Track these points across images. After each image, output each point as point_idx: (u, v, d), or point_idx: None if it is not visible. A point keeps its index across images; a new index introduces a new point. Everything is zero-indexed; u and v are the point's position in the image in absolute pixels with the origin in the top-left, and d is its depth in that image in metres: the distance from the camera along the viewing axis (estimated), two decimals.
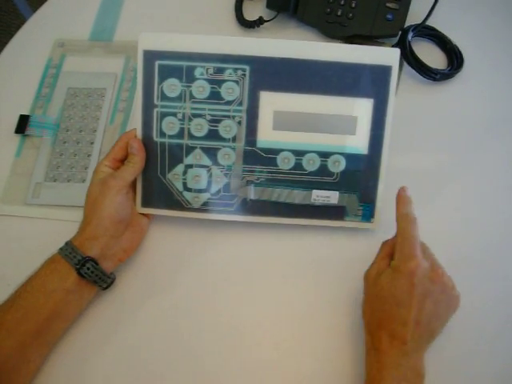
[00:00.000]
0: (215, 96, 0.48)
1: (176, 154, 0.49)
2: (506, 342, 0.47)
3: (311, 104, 0.48)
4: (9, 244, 0.52)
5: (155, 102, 0.49)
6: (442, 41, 0.62)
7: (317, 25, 0.62)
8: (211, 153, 0.49)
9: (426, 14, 0.60)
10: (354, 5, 0.59)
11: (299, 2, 0.61)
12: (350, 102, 0.48)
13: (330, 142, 0.49)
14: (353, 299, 0.48)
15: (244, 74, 0.48)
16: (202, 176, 0.49)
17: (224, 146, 0.49)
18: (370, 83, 0.48)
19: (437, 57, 0.62)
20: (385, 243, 0.45)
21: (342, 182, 0.49)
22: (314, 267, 0.50)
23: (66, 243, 0.45)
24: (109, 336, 0.47)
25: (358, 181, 0.49)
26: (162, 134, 0.49)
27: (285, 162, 0.49)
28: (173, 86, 0.48)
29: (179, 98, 0.49)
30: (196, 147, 0.49)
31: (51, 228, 0.52)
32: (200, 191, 0.50)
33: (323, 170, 0.49)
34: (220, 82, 0.48)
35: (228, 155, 0.49)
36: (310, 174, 0.49)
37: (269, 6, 0.62)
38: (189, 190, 0.50)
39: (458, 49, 0.61)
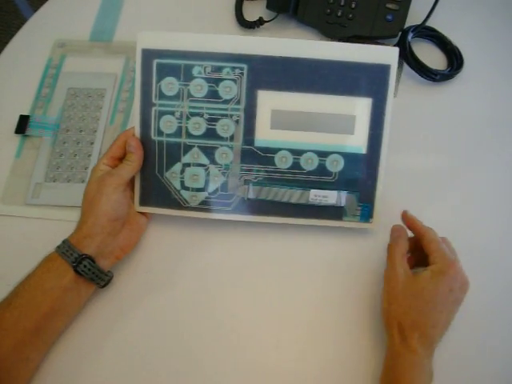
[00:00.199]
0: (213, 95, 0.48)
1: (174, 153, 0.49)
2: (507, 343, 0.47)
3: (309, 103, 0.48)
4: (9, 244, 0.53)
5: (153, 100, 0.49)
6: (441, 41, 0.62)
7: (317, 25, 0.62)
8: (209, 152, 0.49)
9: (425, 15, 0.60)
10: (354, 5, 0.59)
11: (299, 2, 0.61)
12: (348, 101, 0.48)
13: (329, 141, 0.48)
14: (351, 298, 0.48)
15: (242, 73, 0.48)
16: (199, 175, 0.49)
17: (222, 145, 0.49)
18: (369, 82, 0.47)
19: (437, 57, 0.62)
20: (396, 243, 0.45)
21: (341, 182, 0.49)
22: (311, 266, 0.50)
23: (63, 241, 0.45)
24: (107, 334, 0.47)
25: (356, 180, 0.49)
26: (160, 133, 0.49)
27: (283, 161, 0.49)
28: (171, 85, 0.49)
29: (177, 97, 0.49)
30: (194, 146, 0.49)
31: (51, 228, 0.52)
32: (198, 190, 0.50)
33: (321, 170, 0.49)
34: (218, 81, 0.48)
35: (226, 154, 0.49)
36: (308, 173, 0.49)
37: (269, 6, 0.62)
38: (186, 188, 0.50)
39: (458, 50, 0.61)
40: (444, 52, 0.62)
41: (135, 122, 0.49)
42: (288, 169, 0.49)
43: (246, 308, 0.49)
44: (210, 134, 0.49)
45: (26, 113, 0.58)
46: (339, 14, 0.60)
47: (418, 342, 0.41)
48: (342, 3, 0.60)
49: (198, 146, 0.49)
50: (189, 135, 0.49)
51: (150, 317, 0.48)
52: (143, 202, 0.50)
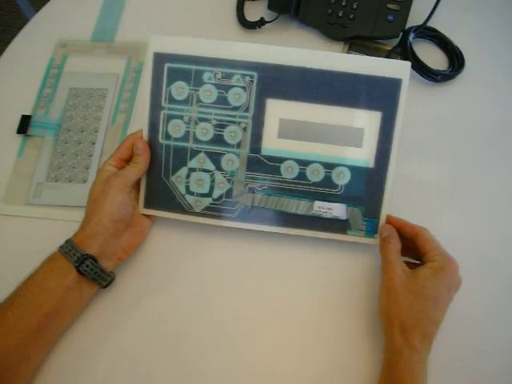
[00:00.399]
0: (222, 101, 0.48)
1: (180, 157, 0.49)
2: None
3: (318, 114, 0.48)
4: (10, 244, 0.53)
5: (163, 104, 0.49)
6: (443, 42, 0.62)
7: (318, 26, 0.62)
8: (215, 158, 0.49)
9: (427, 16, 0.60)
10: (355, 6, 0.60)
11: (301, 3, 0.61)
12: (357, 114, 0.47)
13: (336, 153, 0.48)
14: (351, 307, 0.49)
15: (252, 81, 0.48)
16: (204, 180, 0.49)
17: (228, 152, 0.49)
18: (379, 96, 0.47)
19: (438, 58, 0.62)
20: (389, 242, 0.46)
21: (346, 195, 0.48)
22: (311, 276, 0.50)
23: (66, 241, 0.45)
24: (108, 334, 0.48)
25: (362, 194, 0.48)
26: (168, 137, 0.49)
27: (288, 171, 0.49)
28: (181, 89, 0.49)
29: (186, 102, 0.49)
30: (200, 151, 0.49)
31: (53, 228, 0.52)
32: (202, 195, 0.50)
33: (327, 182, 0.48)
34: (227, 88, 0.48)
35: (232, 161, 0.49)
36: (314, 184, 0.49)
37: (270, 7, 0.62)
38: (191, 193, 0.50)
39: (459, 50, 0.61)
40: (445, 52, 0.62)
41: (143, 125, 0.49)
42: (293, 179, 0.49)
43: (246, 313, 0.49)
44: (218, 140, 0.49)
45: (27, 113, 0.58)
46: (340, 14, 0.60)
47: (419, 340, 0.41)
48: (344, 4, 0.60)
49: (205, 152, 0.49)
50: (196, 140, 0.49)
51: (150, 318, 0.48)
52: (148, 205, 0.50)
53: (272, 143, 0.48)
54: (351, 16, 0.60)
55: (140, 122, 0.50)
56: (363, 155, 0.48)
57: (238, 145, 0.49)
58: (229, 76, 0.48)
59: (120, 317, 0.48)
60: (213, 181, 0.49)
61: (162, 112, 0.49)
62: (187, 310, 0.49)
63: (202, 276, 0.50)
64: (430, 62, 0.59)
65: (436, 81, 0.59)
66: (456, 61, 0.60)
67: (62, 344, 0.47)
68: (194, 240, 0.52)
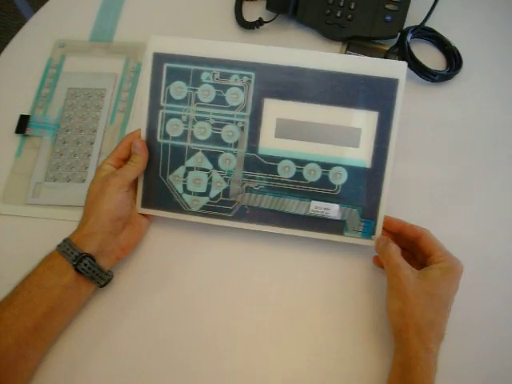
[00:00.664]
0: (220, 101, 0.49)
1: (178, 156, 0.49)
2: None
3: (315, 113, 0.48)
4: (9, 243, 0.53)
5: (161, 103, 0.49)
6: (440, 42, 0.62)
7: (316, 26, 0.62)
8: (212, 157, 0.49)
9: (424, 16, 0.60)
10: (353, 6, 0.60)
11: (299, 3, 0.61)
12: (354, 114, 0.47)
13: (332, 153, 0.48)
14: (349, 306, 0.49)
15: (249, 80, 0.48)
16: (202, 179, 0.49)
17: (225, 151, 0.49)
18: (376, 96, 0.47)
19: (435, 58, 0.62)
20: (389, 247, 0.45)
21: (343, 195, 0.48)
22: (310, 276, 0.50)
23: (64, 240, 0.45)
24: (106, 334, 0.48)
25: (359, 195, 0.48)
26: (166, 136, 0.49)
27: (285, 171, 0.49)
28: (179, 89, 0.49)
29: (185, 101, 0.49)
30: (198, 150, 0.49)
31: (51, 228, 0.52)
32: (199, 195, 0.50)
33: (324, 182, 0.48)
34: (225, 87, 0.48)
35: (229, 160, 0.49)
36: (311, 184, 0.48)
37: (268, 7, 0.62)
38: (188, 192, 0.50)
39: (457, 50, 0.61)
40: (443, 52, 0.62)
41: (142, 124, 0.50)
42: (290, 178, 0.49)
43: (243, 312, 0.49)
44: (215, 139, 0.49)
45: (26, 113, 0.58)
46: (338, 14, 0.60)
47: (434, 342, 0.41)
48: (342, 4, 0.60)
49: (203, 151, 0.49)
50: (194, 139, 0.49)
51: (148, 317, 0.48)
52: (145, 204, 0.50)
53: (269, 143, 0.49)
54: (349, 16, 0.60)
55: (138, 121, 0.50)
56: (360, 155, 0.48)
57: (236, 144, 0.49)
58: (227, 76, 0.48)
59: (117, 316, 0.48)
60: (210, 180, 0.49)
61: (161, 111, 0.49)
62: (184, 308, 0.49)
63: (199, 275, 0.50)
64: (428, 62, 0.59)
65: (434, 81, 0.60)
66: (454, 61, 0.60)
67: (60, 343, 0.47)
68: (191, 238, 0.52)
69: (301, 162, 0.48)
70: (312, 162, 0.48)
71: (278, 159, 0.49)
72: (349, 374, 0.46)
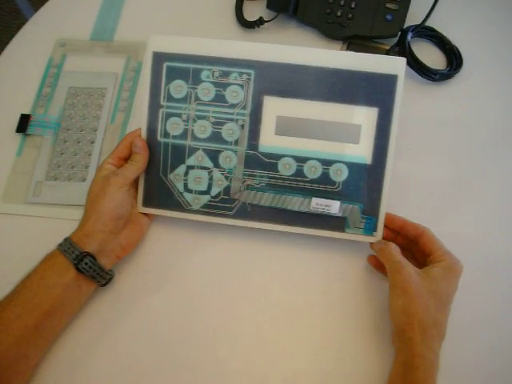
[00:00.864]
0: (220, 99, 0.49)
1: (178, 155, 0.50)
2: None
3: (315, 110, 0.48)
4: (9, 242, 0.53)
5: (161, 102, 0.49)
6: (441, 41, 0.62)
7: (317, 25, 0.62)
8: (213, 155, 0.49)
9: (425, 15, 0.60)
10: (353, 5, 0.60)
11: (299, 2, 0.61)
12: (354, 111, 0.47)
13: (333, 149, 0.48)
14: (350, 305, 0.49)
15: (249, 78, 0.48)
16: (202, 178, 0.50)
17: (226, 149, 0.49)
18: (376, 92, 0.47)
19: (436, 57, 0.62)
20: (389, 246, 0.45)
21: (344, 192, 0.48)
22: (311, 274, 0.50)
23: (65, 239, 0.45)
24: (107, 333, 0.48)
25: (360, 192, 0.48)
26: (166, 135, 0.50)
27: (286, 168, 0.49)
28: (179, 88, 0.49)
29: (185, 100, 0.49)
30: (198, 149, 0.49)
31: (52, 227, 0.52)
32: (200, 193, 0.50)
33: (325, 179, 0.48)
34: (225, 85, 0.48)
35: (229, 158, 0.49)
36: (312, 181, 0.48)
37: (269, 6, 0.62)
38: (189, 191, 0.50)
39: (457, 49, 0.61)
40: (443, 52, 0.62)
41: (142, 123, 0.50)
42: (291, 176, 0.49)
43: (245, 310, 0.49)
44: (215, 137, 0.49)
45: (27, 112, 0.58)
46: (339, 13, 0.60)
47: (436, 340, 0.41)
48: (342, 3, 0.60)
49: (203, 149, 0.49)
50: (194, 138, 0.49)
51: (149, 316, 0.48)
52: (146, 203, 0.50)
53: (269, 140, 0.49)
54: (350, 15, 0.60)
55: (139, 120, 0.51)
56: (361, 151, 0.48)
57: (236, 142, 0.49)
58: (226, 74, 0.48)
59: (118, 315, 0.48)
60: (211, 178, 0.49)
61: (161, 110, 0.49)
62: (185, 307, 0.49)
63: (200, 274, 0.50)
64: (429, 62, 0.59)
65: (434, 80, 0.60)
66: (454, 60, 0.60)
67: (61, 342, 0.47)
68: (192, 237, 0.52)
69: (301, 159, 0.48)
70: (312, 158, 0.48)
71: (279, 156, 0.49)
72: (349, 373, 0.46)
